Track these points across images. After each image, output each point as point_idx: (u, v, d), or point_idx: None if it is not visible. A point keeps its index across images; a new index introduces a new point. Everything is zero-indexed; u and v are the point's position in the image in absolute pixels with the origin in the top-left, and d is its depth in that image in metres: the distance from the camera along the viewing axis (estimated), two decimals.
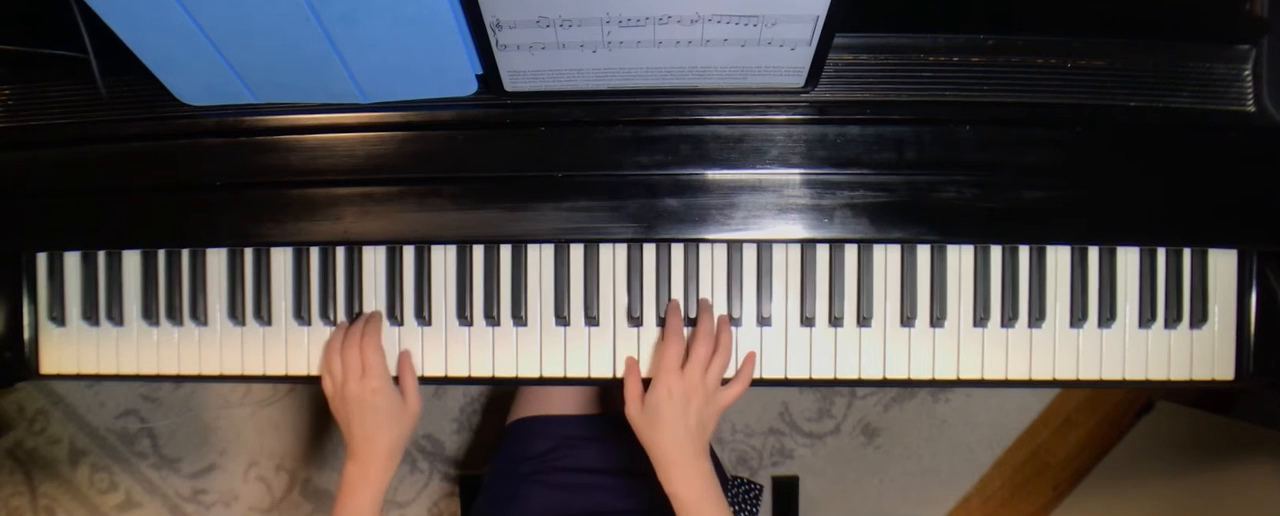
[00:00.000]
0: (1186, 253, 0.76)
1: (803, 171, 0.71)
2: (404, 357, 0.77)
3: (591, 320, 0.77)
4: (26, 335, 0.82)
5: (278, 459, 1.63)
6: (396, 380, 0.76)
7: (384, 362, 0.74)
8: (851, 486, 1.58)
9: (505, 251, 0.78)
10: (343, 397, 0.73)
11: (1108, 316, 0.76)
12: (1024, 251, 0.76)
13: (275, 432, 1.62)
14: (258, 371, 0.80)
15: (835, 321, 0.76)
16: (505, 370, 0.78)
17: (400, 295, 0.78)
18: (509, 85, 0.67)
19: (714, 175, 0.71)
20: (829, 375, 0.77)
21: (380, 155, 0.72)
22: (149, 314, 0.81)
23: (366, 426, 0.72)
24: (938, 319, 0.76)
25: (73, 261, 0.82)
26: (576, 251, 0.77)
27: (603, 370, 0.78)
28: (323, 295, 0.79)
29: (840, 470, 1.58)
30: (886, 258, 0.76)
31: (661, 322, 0.77)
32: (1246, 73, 0.71)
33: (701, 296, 0.77)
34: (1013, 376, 0.76)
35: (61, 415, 1.65)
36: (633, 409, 0.72)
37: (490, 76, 0.65)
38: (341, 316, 0.79)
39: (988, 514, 1.59)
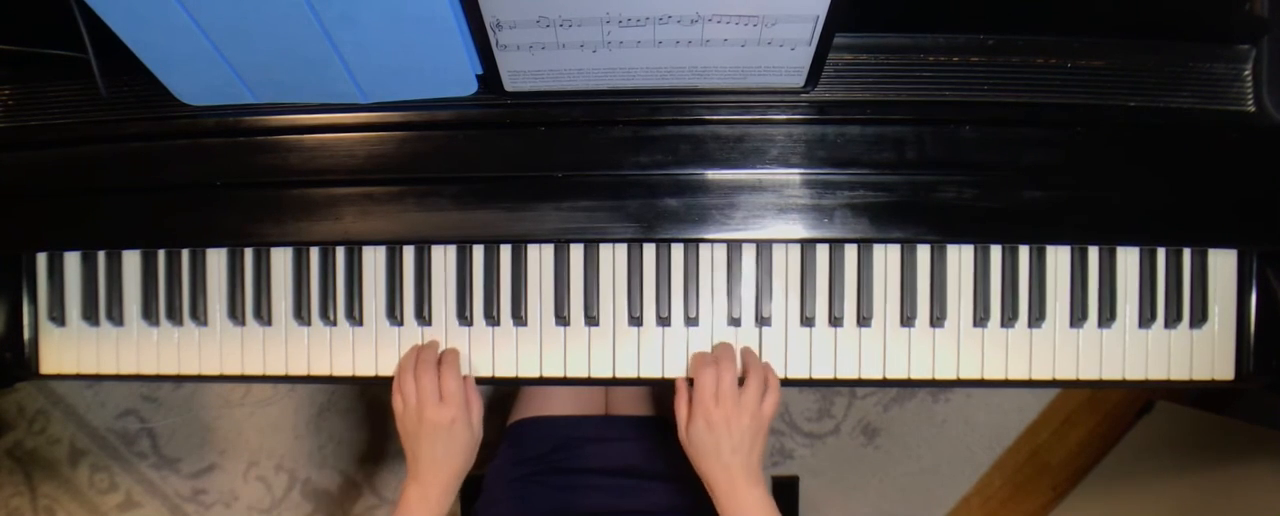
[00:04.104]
0: (1186, 253, 0.76)
1: (803, 171, 0.71)
2: (469, 383, 0.75)
3: (591, 320, 0.77)
4: (26, 335, 0.82)
5: (278, 459, 1.63)
6: None
7: (463, 393, 0.73)
8: (851, 486, 1.58)
9: (505, 251, 0.78)
10: (418, 421, 0.71)
11: (1108, 316, 0.76)
12: (1024, 251, 0.76)
13: (275, 432, 1.62)
14: (258, 371, 0.80)
15: (835, 321, 0.76)
16: (505, 370, 0.78)
17: (400, 295, 0.78)
18: (509, 85, 0.67)
19: (714, 175, 0.71)
20: (829, 375, 0.77)
21: (380, 155, 0.72)
22: (149, 314, 0.81)
23: (436, 453, 0.72)
24: (938, 319, 0.76)
25: (73, 261, 0.82)
26: (576, 251, 0.77)
27: (603, 370, 0.78)
28: (323, 295, 0.79)
29: (840, 470, 1.58)
30: (886, 257, 0.76)
31: (661, 323, 0.77)
32: (1246, 73, 0.71)
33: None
34: (1013, 376, 0.76)
35: (61, 415, 1.65)
36: (681, 435, 0.72)
37: (490, 76, 0.65)
38: (342, 316, 0.79)
39: (988, 514, 1.58)
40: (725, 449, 0.69)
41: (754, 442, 0.70)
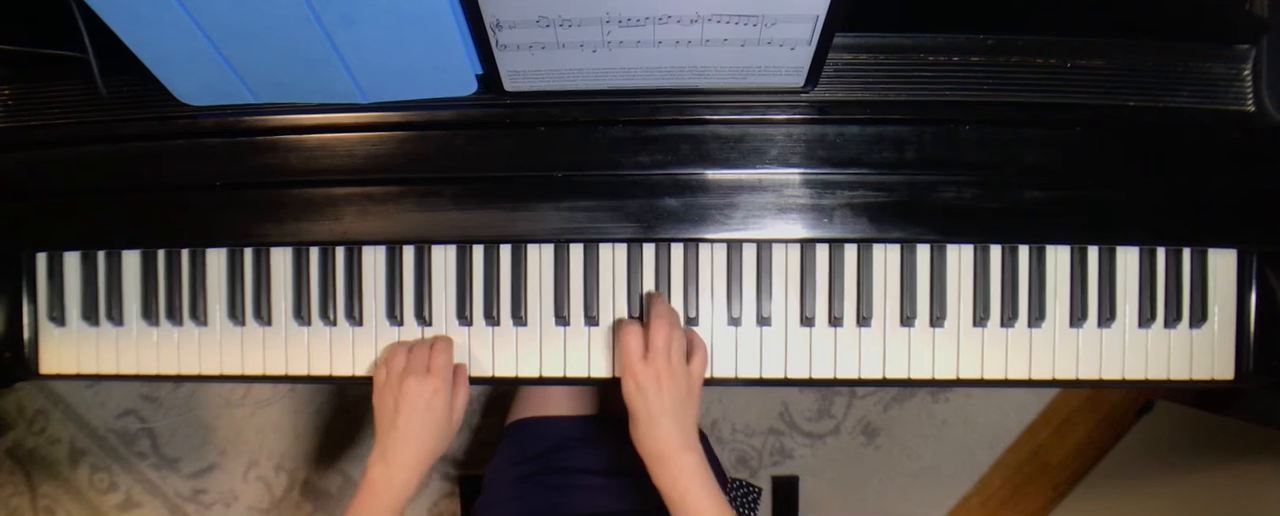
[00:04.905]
0: (1186, 252, 0.76)
1: (802, 171, 0.71)
2: (459, 370, 0.74)
3: (591, 320, 0.77)
4: (26, 335, 0.82)
5: (278, 459, 1.63)
6: None
7: (450, 371, 0.72)
8: (851, 486, 1.58)
9: (505, 251, 0.78)
10: (399, 390, 0.69)
11: (1107, 316, 0.76)
12: (1024, 251, 0.76)
13: (275, 432, 1.62)
14: (258, 371, 0.80)
15: (835, 321, 0.76)
16: (505, 370, 0.78)
17: (400, 295, 0.78)
18: (509, 85, 0.67)
19: (714, 175, 0.71)
20: (829, 375, 0.77)
21: (380, 155, 0.72)
22: (149, 314, 0.81)
23: (411, 426, 0.69)
24: (937, 319, 0.76)
25: (73, 261, 0.82)
26: (576, 251, 0.77)
27: (602, 370, 0.78)
28: (322, 295, 0.79)
29: (840, 470, 1.58)
30: (886, 257, 0.76)
31: None
32: (1246, 73, 0.71)
33: (651, 291, 0.76)
34: (1013, 376, 0.76)
35: (61, 415, 1.65)
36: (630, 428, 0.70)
37: (490, 76, 0.65)
38: (341, 316, 0.79)
39: (988, 514, 1.58)
40: (655, 410, 0.66)
41: (686, 405, 0.67)
